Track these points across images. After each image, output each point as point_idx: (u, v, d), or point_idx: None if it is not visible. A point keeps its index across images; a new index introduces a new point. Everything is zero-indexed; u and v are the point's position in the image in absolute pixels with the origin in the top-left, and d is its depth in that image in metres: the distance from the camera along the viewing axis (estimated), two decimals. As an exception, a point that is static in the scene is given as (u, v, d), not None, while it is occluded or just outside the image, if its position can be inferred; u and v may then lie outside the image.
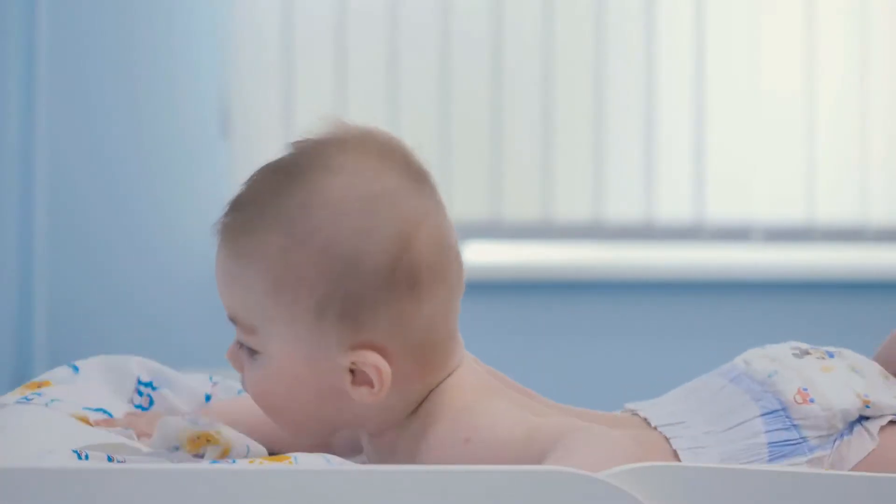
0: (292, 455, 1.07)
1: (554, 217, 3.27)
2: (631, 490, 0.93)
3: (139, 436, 1.22)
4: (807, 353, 1.23)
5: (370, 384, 1.09)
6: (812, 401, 1.16)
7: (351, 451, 1.23)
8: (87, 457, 1.09)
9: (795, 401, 1.17)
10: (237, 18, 3.11)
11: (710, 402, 1.21)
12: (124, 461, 1.10)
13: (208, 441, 1.09)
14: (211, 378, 1.42)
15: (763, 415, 1.17)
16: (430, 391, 1.13)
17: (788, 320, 3.36)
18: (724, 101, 3.36)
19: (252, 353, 1.12)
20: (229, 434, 1.12)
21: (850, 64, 3.43)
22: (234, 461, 1.18)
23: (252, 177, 1.14)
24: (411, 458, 1.12)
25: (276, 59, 3.14)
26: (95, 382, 1.36)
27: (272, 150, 3.39)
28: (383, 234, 1.07)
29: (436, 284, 1.10)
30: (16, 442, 1.16)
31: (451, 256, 1.11)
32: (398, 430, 1.14)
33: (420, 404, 1.13)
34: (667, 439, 1.18)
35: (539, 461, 1.02)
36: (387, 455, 1.15)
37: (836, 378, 1.20)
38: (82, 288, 3.05)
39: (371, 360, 1.08)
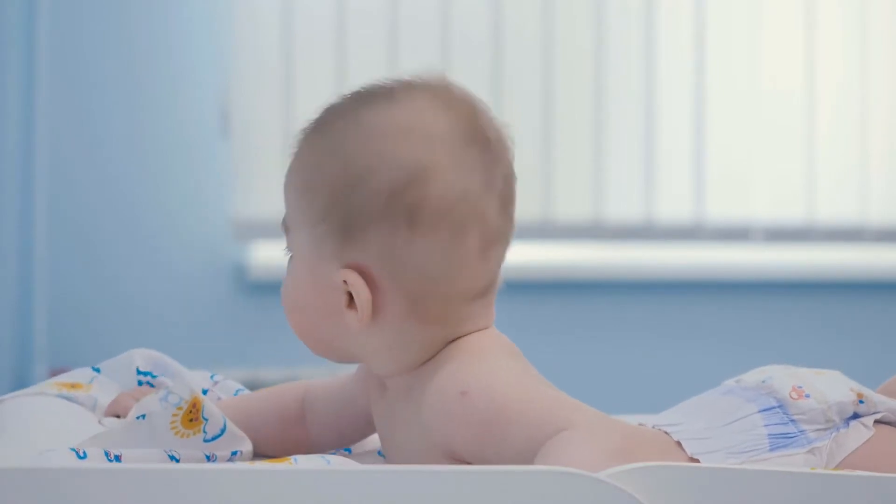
0: (292, 456, 1.07)
1: (554, 217, 3.27)
2: (631, 490, 0.93)
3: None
4: (794, 368, 1.25)
5: (356, 310, 1.12)
6: (808, 396, 1.18)
7: (366, 424, 1.24)
8: (84, 454, 1.09)
9: (791, 397, 1.18)
10: (237, 18, 3.11)
11: (706, 408, 1.22)
12: (120, 455, 1.11)
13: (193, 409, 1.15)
14: (213, 376, 1.43)
15: (761, 411, 1.18)
16: (448, 343, 1.13)
17: (788, 320, 3.37)
18: (724, 102, 3.37)
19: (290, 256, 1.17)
20: (202, 396, 1.17)
21: (850, 64, 3.43)
22: (234, 452, 1.18)
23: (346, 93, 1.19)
24: (414, 408, 1.12)
25: (276, 59, 3.14)
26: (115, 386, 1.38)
27: (272, 150, 3.40)
28: (397, 163, 1.10)
29: (438, 231, 1.11)
30: (15, 441, 1.16)
31: (469, 218, 1.12)
32: (411, 377, 1.14)
33: (438, 353, 1.14)
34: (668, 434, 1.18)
35: (529, 435, 1.03)
36: (397, 401, 1.16)
37: (828, 377, 1.22)
38: (82, 288, 3.05)
39: (354, 281, 1.11)
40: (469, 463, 1.07)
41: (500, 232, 1.16)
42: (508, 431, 1.04)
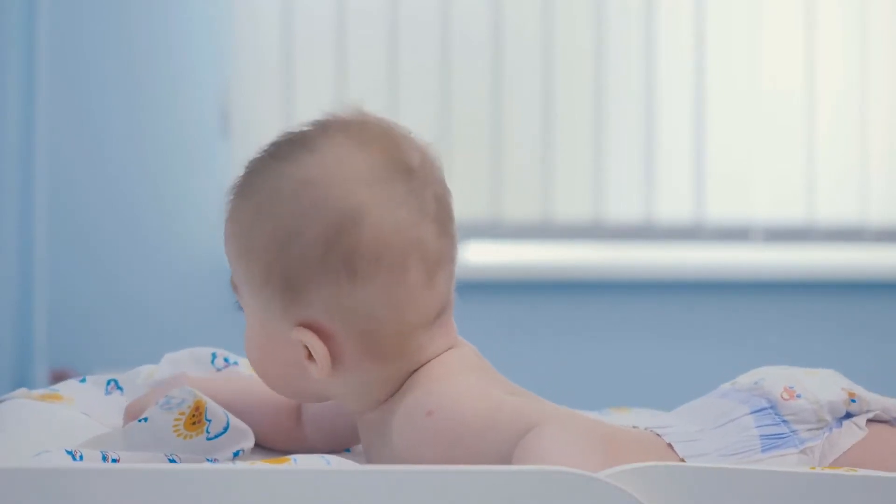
0: (292, 456, 1.07)
1: (554, 217, 3.27)
2: (631, 490, 0.93)
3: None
4: (788, 368, 1.26)
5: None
6: (799, 396, 1.18)
7: (354, 436, 1.24)
8: (81, 457, 1.09)
9: (783, 398, 1.19)
10: (237, 18, 3.11)
11: (698, 410, 1.23)
12: (118, 459, 1.11)
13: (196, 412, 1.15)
14: (213, 357, 1.43)
15: (752, 412, 1.18)
16: (412, 373, 1.14)
17: (788, 320, 3.36)
18: (724, 102, 3.36)
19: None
20: (206, 398, 1.17)
21: (850, 64, 3.43)
22: (236, 453, 1.18)
23: (264, 146, 1.19)
24: (385, 439, 1.13)
25: (276, 59, 3.14)
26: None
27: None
28: (324, 214, 1.10)
29: (379, 272, 1.11)
30: (14, 442, 1.16)
31: (407, 252, 1.12)
32: (382, 411, 1.15)
33: (403, 384, 1.15)
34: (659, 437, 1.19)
35: (502, 439, 1.03)
36: (372, 433, 1.17)
37: (821, 377, 1.23)
38: (82, 288, 3.05)
39: (307, 339, 1.12)
40: None
41: (443, 255, 1.14)
42: (479, 444, 1.05)
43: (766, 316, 3.36)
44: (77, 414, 1.29)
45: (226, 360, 1.44)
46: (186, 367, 1.41)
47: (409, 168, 1.14)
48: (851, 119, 3.42)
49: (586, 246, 3.33)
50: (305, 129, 1.16)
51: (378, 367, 1.13)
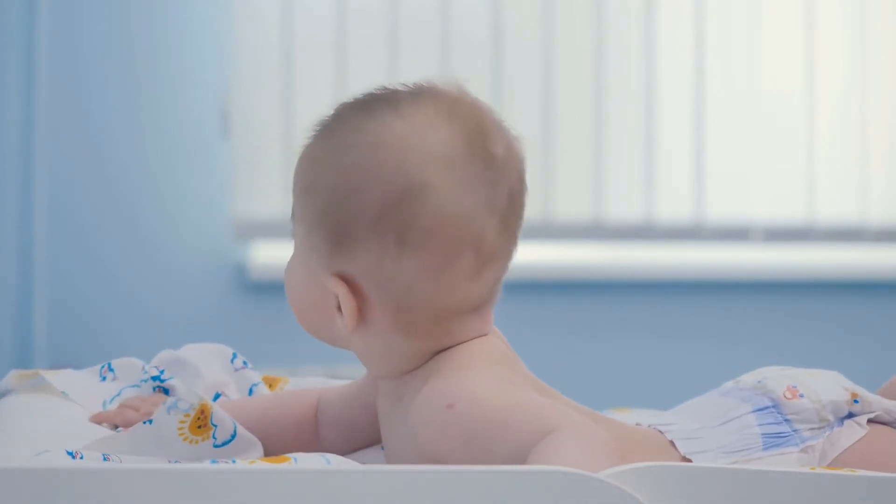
0: (292, 455, 1.07)
1: (554, 217, 3.27)
2: (631, 490, 0.93)
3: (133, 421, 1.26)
4: (791, 368, 1.26)
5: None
6: (802, 396, 1.19)
7: (377, 426, 1.24)
8: (81, 458, 1.09)
9: (785, 397, 1.19)
10: (237, 18, 3.11)
11: (699, 408, 1.23)
12: (120, 461, 1.11)
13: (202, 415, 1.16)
14: (233, 357, 1.44)
15: (755, 411, 1.19)
16: (436, 354, 1.14)
17: (788, 320, 3.37)
18: (724, 102, 3.37)
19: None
20: (211, 403, 1.17)
21: (850, 64, 3.43)
22: (234, 461, 1.18)
23: (358, 94, 1.18)
24: (402, 415, 1.13)
25: (276, 59, 3.14)
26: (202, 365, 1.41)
27: (272, 150, 3.40)
28: (391, 179, 1.09)
29: (428, 251, 1.09)
30: (14, 441, 1.16)
31: (463, 240, 1.10)
32: (401, 383, 1.15)
33: (427, 362, 1.14)
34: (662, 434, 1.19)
35: (517, 439, 1.02)
36: (389, 401, 1.17)
37: (823, 377, 1.23)
38: (82, 288, 3.05)
39: (340, 291, 1.11)
40: None
41: (498, 252, 1.14)
42: (495, 441, 1.04)
43: (766, 316, 3.36)
44: (77, 410, 1.29)
45: (244, 363, 1.45)
46: (209, 360, 1.41)
47: (490, 156, 1.11)
48: (851, 119, 3.42)
49: (586, 246, 3.33)
50: (400, 88, 1.15)
51: (404, 341, 1.12)
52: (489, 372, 1.11)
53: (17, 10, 3.02)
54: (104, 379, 1.39)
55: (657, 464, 0.96)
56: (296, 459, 1.04)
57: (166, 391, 1.36)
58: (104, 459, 1.10)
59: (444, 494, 0.92)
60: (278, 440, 1.25)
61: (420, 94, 1.13)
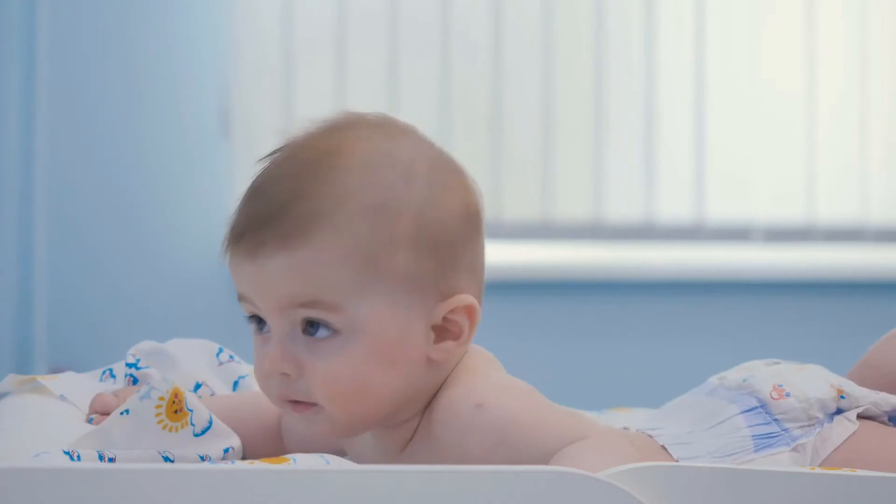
0: (291, 456, 1.07)
1: (554, 217, 3.27)
2: (631, 490, 0.93)
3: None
4: (777, 363, 1.26)
5: (453, 337, 1.10)
6: (788, 395, 1.19)
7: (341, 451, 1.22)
8: (78, 457, 1.09)
9: (772, 397, 1.19)
10: (237, 18, 3.11)
11: (687, 411, 1.23)
12: (115, 458, 1.10)
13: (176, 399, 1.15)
14: (219, 352, 1.43)
15: (743, 412, 1.19)
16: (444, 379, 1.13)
17: (788, 320, 3.36)
18: (725, 102, 3.36)
19: (327, 337, 1.09)
20: (183, 388, 1.16)
21: (850, 64, 3.43)
22: (226, 450, 1.18)
23: (274, 179, 1.11)
24: (433, 439, 1.11)
25: (276, 59, 3.14)
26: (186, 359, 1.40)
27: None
28: (450, 183, 1.11)
29: (484, 231, 1.14)
30: (12, 442, 1.16)
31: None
32: (402, 430, 1.14)
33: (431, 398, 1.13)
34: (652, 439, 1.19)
35: (544, 441, 1.03)
36: (392, 454, 1.14)
37: (809, 374, 1.23)
38: (82, 288, 3.05)
39: (465, 302, 1.10)
40: None
41: None
42: (523, 442, 1.05)
43: (766, 316, 3.36)
44: (75, 412, 1.29)
45: (231, 356, 1.44)
46: (192, 353, 1.40)
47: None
48: (851, 119, 3.42)
49: (586, 246, 3.33)
50: (329, 131, 1.13)
51: (454, 360, 1.12)
52: (506, 377, 1.12)
53: (17, 10, 3.02)
54: (103, 381, 1.39)
55: (657, 464, 0.96)
56: (295, 460, 1.04)
57: (136, 381, 1.35)
58: (100, 458, 1.10)
59: (444, 494, 0.92)
60: (246, 440, 1.23)
61: (360, 123, 1.14)
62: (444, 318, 1.10)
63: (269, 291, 1.09)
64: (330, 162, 1.09)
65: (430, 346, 1.10)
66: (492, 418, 1.06)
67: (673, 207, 3.34)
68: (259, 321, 1.13)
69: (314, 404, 1.10)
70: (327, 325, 1.08)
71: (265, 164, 1.13)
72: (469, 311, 1.10)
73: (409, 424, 1.14)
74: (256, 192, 1.11)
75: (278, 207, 1.08)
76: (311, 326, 1.09)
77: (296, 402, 1.11)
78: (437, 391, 1.12)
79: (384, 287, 1.07)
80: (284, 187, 1.09)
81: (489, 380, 1.10)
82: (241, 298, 1.13)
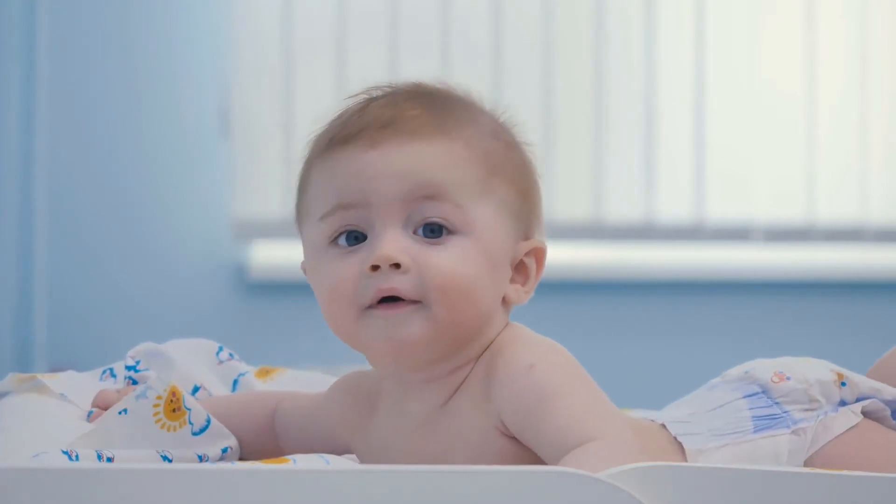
0: (292, 456, 1.07)
1: (554, 217, 3.27)
2: (631, 490, 0.93)
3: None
4: (777, 359, 1.27)
5: (521, 282, 1.15)
6: (788, 378, 1.20)
7: (335, 446, 1.22)
8: (77, 457, 1.09)
9: (773, 381, 1.20)
10: (237, 18, 3.12)
11: (689, 401, 1.24)
12: (113, 457, 1.11)
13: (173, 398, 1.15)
14: (219, 350, 1.43)
15: (745, 396, 1.20)
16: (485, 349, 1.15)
17: (788, 320, 3.36)
18: (725, 102, 3.36)
19: (444, 235, 1.10)
20: (180, 388, 1.17)
21: (850, 64, 3.43)
22: (224, 450, 1.18)
23: (394, 97, 1.15)
24: (477, 393, 1.11)
25: (276, 59, 3.14)
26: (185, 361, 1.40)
27: (272, 150, 3.39)
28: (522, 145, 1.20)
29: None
30: (12, 441, 1.16)
31: None
32: (450, 379, 1.13)
33: (481, 354, 1.14)
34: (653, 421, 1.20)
35: (571, 420, 1.04)
36: (432, 409, 1.13)
37: (809, 360, 1.25)
38: (82, 288, 3.05)
39: (541, 244, 1.15)
40: (510, 436, 1.09)
41: None
42: (556, 409, 1.05)
43: (766, 316, 3.36)
44: (75, 411, 1.29)
45: (231, 354, 1.44)
46: (191, 355, 1.40)
47: None
48: (851, 119, 3.42)
49: (586, 246, 3.33)
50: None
51: (516, 304, 1.17)
52: (551, 344, 1.15)
53: (17, 10, 3.02)
54: (103, 381, 1.39)
55: (657, 464, 0.96)
56: (295, 460, 1.04)
57: (135, 383, 1.35)
58: (98, 457, 1.10)
59: (444, 494, 0.92)
60: (240, 439, 1.24)
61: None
62: (520, 261, 1.14)
63: (393, 181, 1.10)
64: (449, 91, 1.18)
65: (507, 284, 1.13)
66: (536, 380, 1.08)
67: (673, 207, 3.34)
68: (349, 238, 1.11)
69: (415, 302, 1.09)
70: (444, 225, 1.10)
71: (362, 98, 1.16)
72: (539, 256, 1.15)
73: (458, 374, 1.13)
74: (366, 108, 1.14)
75: (409, 109, 1.13)
76: (426, 228, 1.10)
77: (390, 303, 1.09)
78: (488, 349, 1.13)
79: (496, 201, 1.12)
80: (411, 101, 1.14)
81: (542, 344, 1.13)
82: (340, 207, 1.11)
